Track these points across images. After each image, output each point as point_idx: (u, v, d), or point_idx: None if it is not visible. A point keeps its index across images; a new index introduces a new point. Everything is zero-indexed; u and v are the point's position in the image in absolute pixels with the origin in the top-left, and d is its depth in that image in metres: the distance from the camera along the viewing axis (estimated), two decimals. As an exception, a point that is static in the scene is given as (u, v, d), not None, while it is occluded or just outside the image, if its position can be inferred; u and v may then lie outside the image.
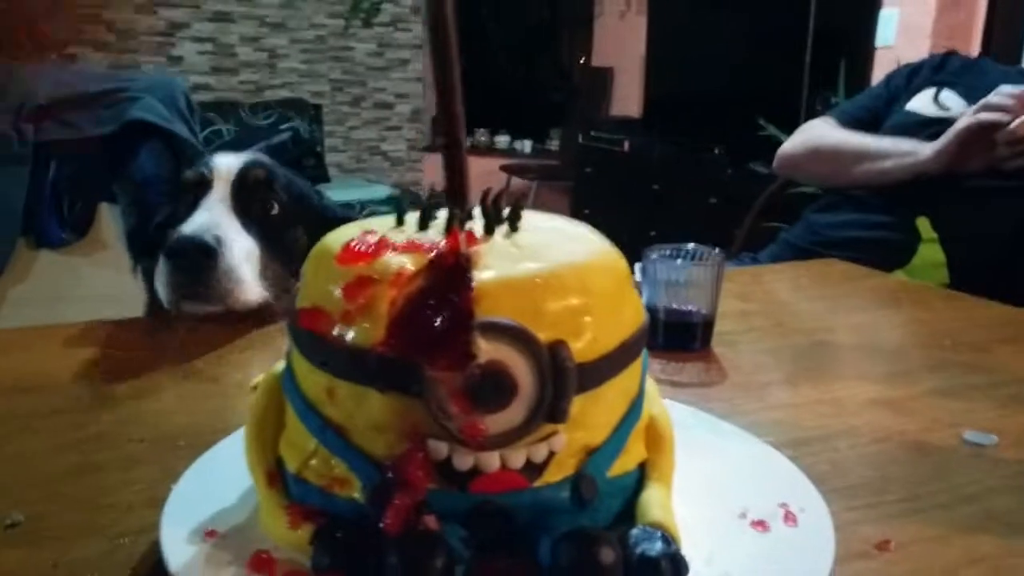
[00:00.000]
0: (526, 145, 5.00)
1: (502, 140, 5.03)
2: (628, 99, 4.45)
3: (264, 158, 0.89)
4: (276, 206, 0.84)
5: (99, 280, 1.42)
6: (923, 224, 1.19)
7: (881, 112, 1.35)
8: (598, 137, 4.06)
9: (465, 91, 0.37)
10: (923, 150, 1.19)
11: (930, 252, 1.18)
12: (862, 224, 1.24)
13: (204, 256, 0.74)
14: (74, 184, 1.39)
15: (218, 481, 0.43)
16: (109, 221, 1.42)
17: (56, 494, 0.48)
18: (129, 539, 0.42)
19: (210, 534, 0.38)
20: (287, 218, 0.84)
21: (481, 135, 4.99)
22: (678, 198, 3.50)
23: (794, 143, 1.41)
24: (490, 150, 4.90)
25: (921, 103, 1.30)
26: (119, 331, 0.78)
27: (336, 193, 3.45)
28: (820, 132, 1.38)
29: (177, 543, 0.37)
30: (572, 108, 4.83)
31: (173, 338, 0.76)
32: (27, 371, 0.68)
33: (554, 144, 5.01)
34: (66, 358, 0.70)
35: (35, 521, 0.45)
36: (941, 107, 1.28)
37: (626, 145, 3.89)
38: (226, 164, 0.84)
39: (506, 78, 5.09)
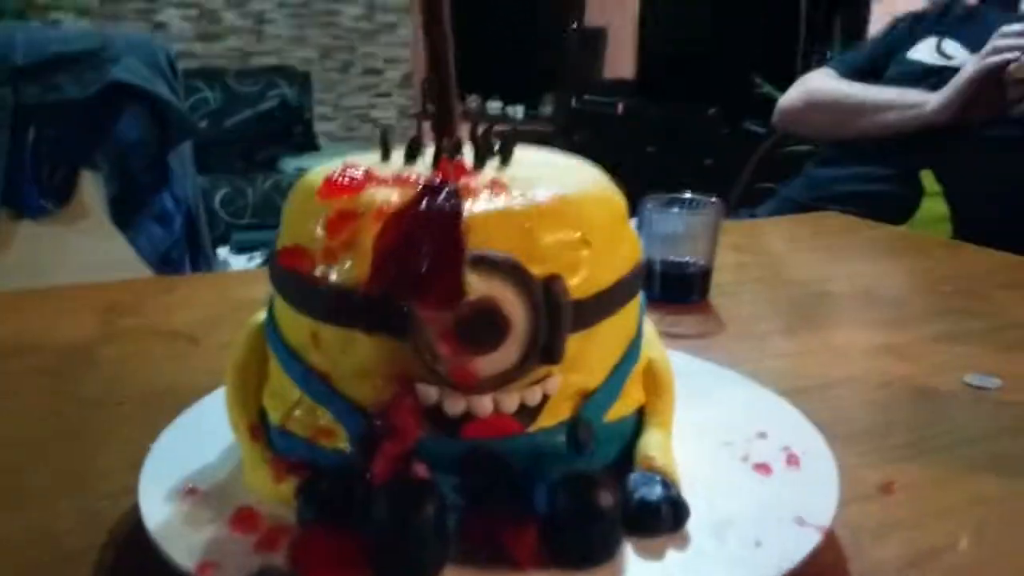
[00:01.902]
0: (518, 111, 4.92)
1: (494, 106, 4.95)
2: (621, 60, 4.39)
3: None
4: None
5: (83, 249, 1.39)
6: (927, 177, 1.16)
7: (881, 62, 1.32)
8: (591, 100, 4.01)
9: (455, 54, 0.35)
10: (928, 101, 1.16)
11: (934, 206, 1.15)
12: (864, 177, 1.22)
13: None
14: (55, 150, 1.36)
15: (199, 438, 0.41)
16: (91, 188, 1.39)
17: (35, 457, 0.46)
18: (109, 501, 0.41)
19: (191, 492, 0.36)
20: None
21: (472, 101, 4.91)
22: (673, 160, 3.47)
23: (793, 95, 1.38)
24: (482, 117, 4.83)
25: (923, 52, 1.27)
26: (102, 294, 0.76)
27: (326, 162, 3.39)
28: (820, 83, 1.34)
29: (155, 502, 0.35)
30: (565, 71, 4.75)
31: (158, 300, 0.74)
32: (7, 334, 0.66)
33: (547, 109, 4.94)
34: (47, 321, 0.68)
35: (12, 484, 0.43)
36: (944, 56, 1.25)
37: (620, 107, 3.84)
38: None
39: (496, 41, 5.00)
